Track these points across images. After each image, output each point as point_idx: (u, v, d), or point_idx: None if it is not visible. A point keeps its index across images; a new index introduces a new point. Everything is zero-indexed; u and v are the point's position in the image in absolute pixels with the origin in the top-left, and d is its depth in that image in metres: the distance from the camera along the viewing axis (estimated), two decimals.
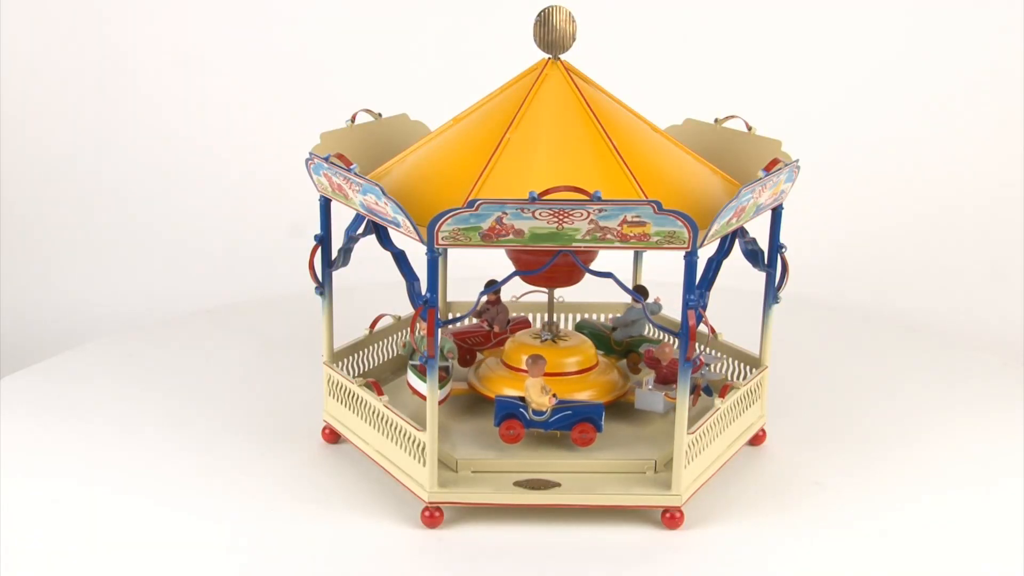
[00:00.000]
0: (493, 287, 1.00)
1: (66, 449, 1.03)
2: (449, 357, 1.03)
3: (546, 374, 1.01)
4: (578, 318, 1.22)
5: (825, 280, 1.65)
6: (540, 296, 1.16)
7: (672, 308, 1.08)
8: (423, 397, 0.94)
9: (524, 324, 1.14)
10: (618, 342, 1.13)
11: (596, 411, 0.95)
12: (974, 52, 1.78)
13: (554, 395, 0.95)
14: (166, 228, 1.82)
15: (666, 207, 0.81)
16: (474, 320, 1.15)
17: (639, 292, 1.14)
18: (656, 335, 1.20)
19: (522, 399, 0.95)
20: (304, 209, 1.21)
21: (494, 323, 1.12)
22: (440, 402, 0.95)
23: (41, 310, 1.74)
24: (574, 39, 0.96)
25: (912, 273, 1.73)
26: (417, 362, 0.96)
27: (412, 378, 0.98)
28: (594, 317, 1.23)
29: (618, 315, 1.18)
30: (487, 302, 1.12)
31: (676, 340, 0.93)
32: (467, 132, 0.95)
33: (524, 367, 1.02)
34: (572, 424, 0.95)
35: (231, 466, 1.01)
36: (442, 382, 0.96)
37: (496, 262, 1.01)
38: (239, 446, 1.04)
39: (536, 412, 0.94)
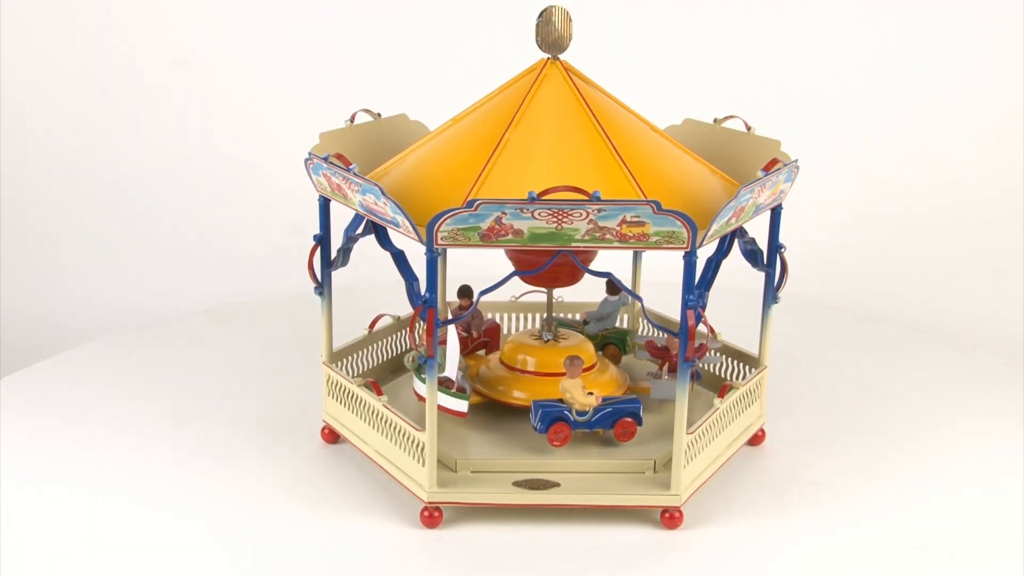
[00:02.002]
0: (482, 292, 0.99)
1: (66, 449, 1.03)
2: (461, 369, 1.02)
3: (548, 374, 1.01)
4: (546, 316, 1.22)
5: (825, 280, 1.64)
6: (540, 296, 1.16)
7: (671, 308, 1.08)
8: (443, 410, 0.94)
9: (495, 328, 1.14)
10: (592, 336, 1.14)
11: (635, 406, 0.96)
12: (974, 52, 1.77)
13: (591, 393, 0.95)
14: (166, 228, 1.82)
15: (665, 207, 0.81)
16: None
17: (610, 288, 1.15)
18: (647, 329, 1.20)
19: (560, 401, 0.95)
20: (304, 209, 1.20)
21: (470, 328, 1.12)
22: (464, 415, 0.95)
23: (41, 310, 1.74)
24: (571, 39, 0.96)
25: (912, 273, 1.73)
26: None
27: (419, 385, 0.97)
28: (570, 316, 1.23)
29: (591, 310, 1.18)
30: (460, 306, 1.11)
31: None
32: (466, 132, 0.95)
33: (528, 368, 1.02)
34: (614, 421, 0.96)
35: (231, 466, 1.01)
36: (460, 393, 0.95)
37: (495, 262, 1.01)
38: (239, 446, 1.05)
39: (579, 413, 0.95)
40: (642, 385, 1.06)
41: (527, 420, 0.99)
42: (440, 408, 0.94)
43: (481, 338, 1.12)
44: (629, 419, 0.96)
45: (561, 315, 1.21)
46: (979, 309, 1.67)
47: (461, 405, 0.94)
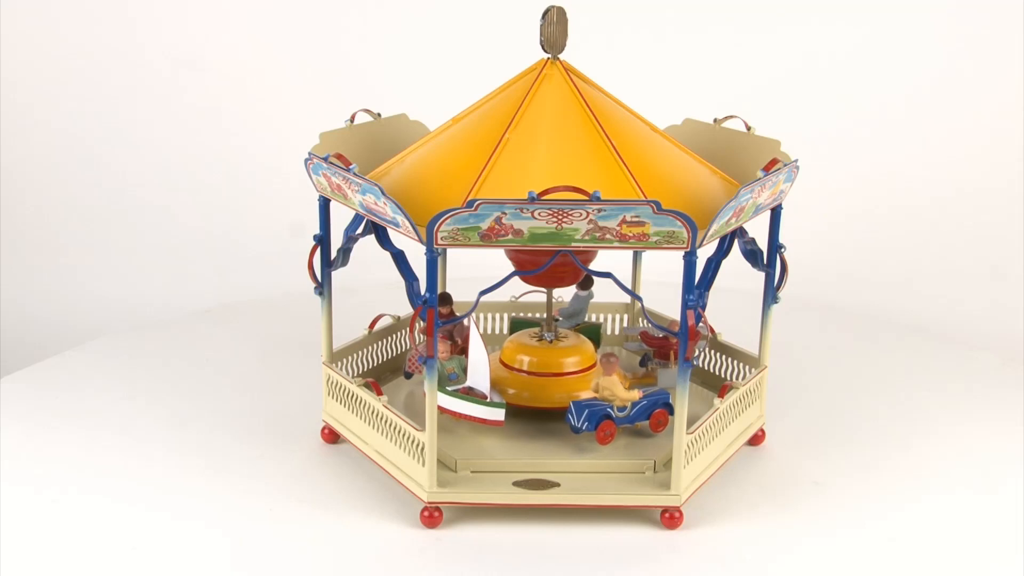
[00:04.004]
0: (482, 292, 0.99)
1: (66, 449, 1.03)
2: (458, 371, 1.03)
3: (550, 374, 1.01)
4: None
5: (824, 280, 1.65)
6: (540, 296, 1.16)
7: (671, 308, 1.08)
8: (457, 416, 0.94)
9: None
10: None
11: (666, 396, 0.98)
12: (974, 52, 1.78)
13: (629, 388, 0.96)
14: (166, 228, 1.82)
15: (665, 207, 0.81)
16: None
17: (584, 282, 1.15)
18: (648, 322, 1.20)
19: (595, 399, 0.95)
20: (304, 209, 1.21)
21: (453, 334, 1.12)
22: (501, 423, 0.95)
23: (41, 310, 1.74)
24: (566, 38, 0.96)
25: (911, 273, 1.73)
26: (454, 386, 0.97)
27: (443, 399, 0.95)
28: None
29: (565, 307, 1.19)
30: (440, 314, 1.11)
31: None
32: (466, 132, 0.95)
33: (533, 369, 1.02)
34: (649, 413, 0.97)
35: (231, 466, 1.01)
36: (495, 403, 0.95)
37: (495, 262, 1.01)
38: (239, 446, 1.05)
39: (619, 408, 0.95)
40: (642, 376, 1.07)
41: (527, 420, 1.00)
42: (475, 419, 0.94)
43: (462, 344, 1.12)
44: (663, 410, 0.97)
45: (528, 315, 1.21)
46: (979, 309, 1.67)
47: (498, 415, 0.94)
